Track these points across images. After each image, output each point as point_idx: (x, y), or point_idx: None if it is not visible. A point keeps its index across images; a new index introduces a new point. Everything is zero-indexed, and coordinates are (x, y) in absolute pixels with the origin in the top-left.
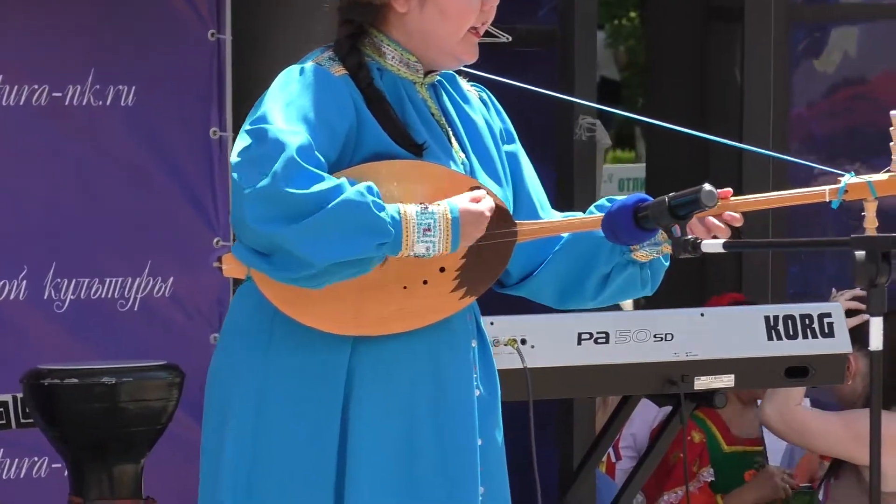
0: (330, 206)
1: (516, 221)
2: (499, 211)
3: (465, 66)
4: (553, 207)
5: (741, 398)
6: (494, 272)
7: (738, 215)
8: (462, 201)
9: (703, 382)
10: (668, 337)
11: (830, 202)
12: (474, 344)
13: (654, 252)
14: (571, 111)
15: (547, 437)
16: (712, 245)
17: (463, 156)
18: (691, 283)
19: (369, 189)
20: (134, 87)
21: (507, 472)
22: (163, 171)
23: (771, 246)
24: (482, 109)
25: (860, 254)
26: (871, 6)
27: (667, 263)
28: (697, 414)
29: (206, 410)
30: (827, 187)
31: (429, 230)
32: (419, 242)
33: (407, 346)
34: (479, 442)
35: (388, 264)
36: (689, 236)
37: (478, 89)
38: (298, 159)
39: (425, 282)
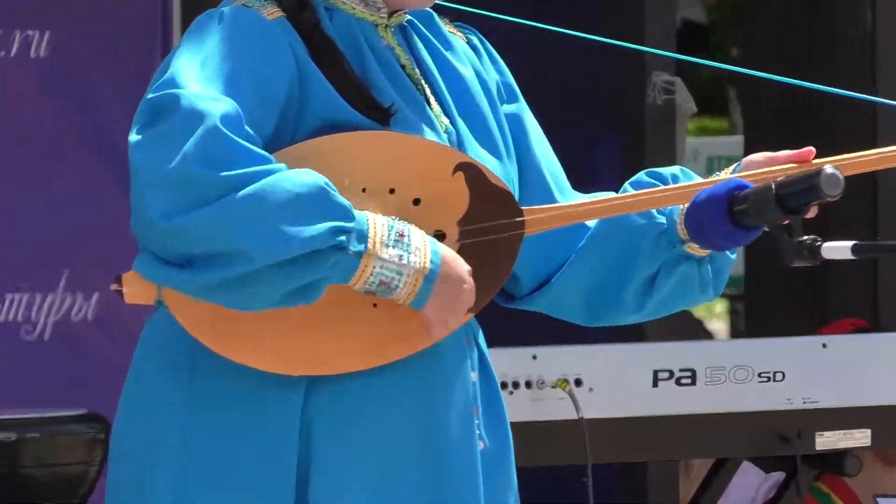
0: (272, 176)
1: (523, 208)
2: (498, 195)
3: (450, 2)
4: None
5: (884, 459)
6: (497, 279)
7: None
8: (450, 252)
9: (827, 440)
10: (779, 377)
11: None
12: (475, 378)
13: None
14: (642, 66)
15: None
16: (837, 249)
17: (447, 121)
18: (807, 302)
19: (327, 184)
20: (48, 34)
21: None
22: (87, 145)
23: None
24: (471, 58)
25: None
26: None
27: (733, 256)
28: (818, 485)
29: (110, 481)
30: None
31: (400, 242)
32: (391, 247)
33: (382, 386)
34: None
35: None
36: (806, 237)
37: (464, 31)
38: (224, 130)
39: None
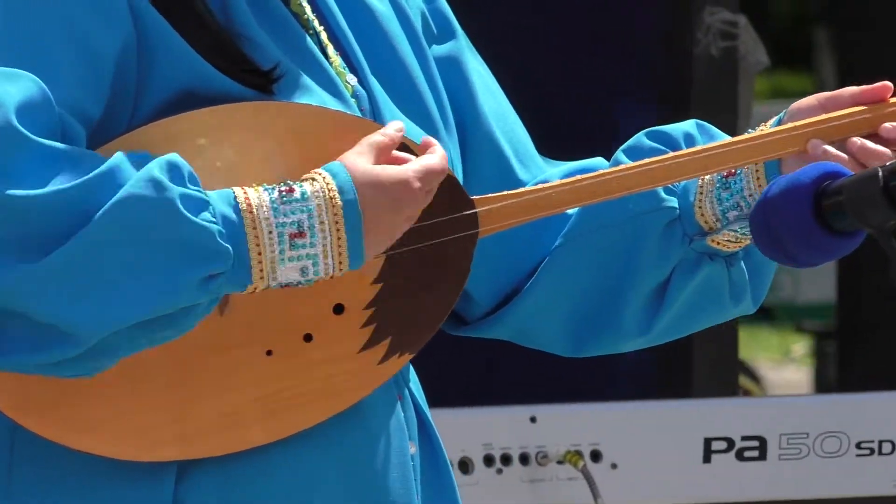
0: (98, 216)
1: (474, 198)
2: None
3: None
4: None
5: None
6: (444, 299)
7: None
8: (360, 162)
9: None
10: (886, 448)
11: None
12: (413, 450)
13: (747, 232)
14: (693, 2)
15: None
16: None
17: (354, 80)
18: None
19: (172, 169)
20: None
21: None
22: None
23: None
24: None
25: None
26: None
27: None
28: None
29: None
30: None
31: (301, 234)
32: (286, 262)
33: (281, 469)
34: None
35: (231, 309)
36: None
37: None
38: (19, 128)
39: (308, 337)
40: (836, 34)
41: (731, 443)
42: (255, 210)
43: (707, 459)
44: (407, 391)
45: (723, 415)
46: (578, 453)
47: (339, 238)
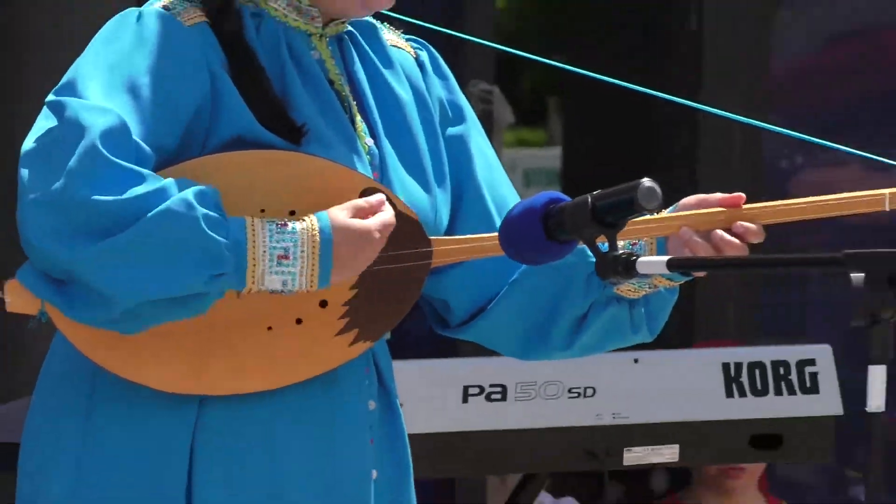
0: (142, 220)
1: (432, 238)
2: (405, 224)
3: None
4: None
5: (718, 486)
6: (400, 309)
7: (755, 227)
8: (340, 215)
9: (635, 456)
10: (589, 392)
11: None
12: (373, 406)
13: (645, 285)
14: (460, 75)
15: None
16: (652, 264)
17: (371, 142)
18: None
19: (202, 196)
20: None
21: None
22: None
23: (734, 265)
24: (415, 76)
25: (858, 277)
26: None
27: (673, 297)
28: None
29: (18, 489)
30: (887, 191)
31: (286, 257)
32: (272, 274)
33: (272, 410)
34: None
35: (244, 296)
36: (622, 252)
37: (416, 46)
38: (103, 150)
39: (299, 321)
40: (560, 99)
41: (482, 388)
42: (257, 234)
43: (465, 400)
44: (374, 365)
45: (476, 369)
46: None
47: (313, 265)
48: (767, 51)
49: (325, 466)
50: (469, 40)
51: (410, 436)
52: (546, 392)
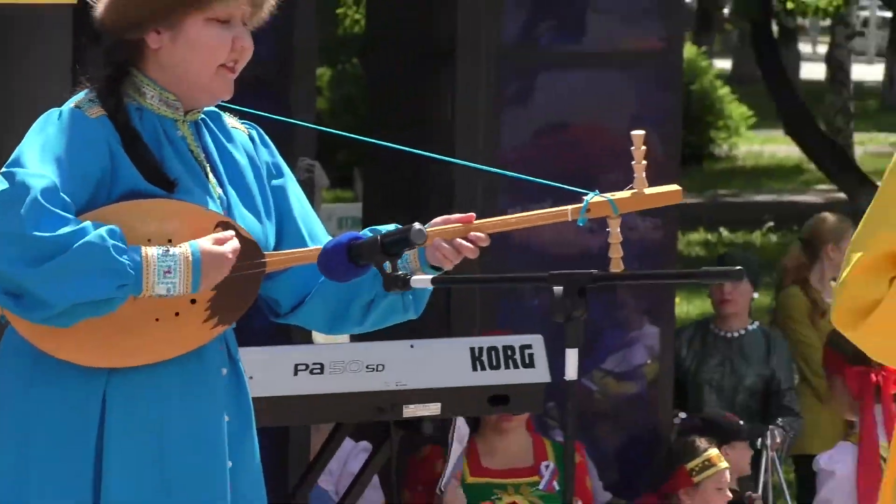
0: (71, 249)
1: (265, 253)
2: (247, 245)
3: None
4: None
5: (497, 427)
6: (246, 302)
7: (483, 235)
8: (205, 243)
9: (410, 410)
10: (380, 367)
11: (575, 221)
12: (224, 372)
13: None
14: (290, 153)
15: (265, 461)
16: (421, 280)
17: (220, 191)
18: None
19: (111, 232)
20: None
21: (264, 494)
22: None
23: (474, 282)
24: (248, 146)
25: (558, 289)
26: (578, 54)
27: (430, 289)
28: None
29: None
30: (570, 207)
31: (169, 272)
32: (160, 284)
33: (157, 375)
34: (230, 464)
35: (140, 299)
36: (401, 272)
37: (248, 126)
38: (42, 201)
39: (177, 314)
40: (362, 170)
41: (307, 365)
42: (149, 258)
43: (295, 374)
44: (226, 344)
45: (304, 352)
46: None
47: (187, 278)
48: (499, 137)
49: (195, 410)
50: (296, 124)
51: (258, 398)
52: (350, 368)
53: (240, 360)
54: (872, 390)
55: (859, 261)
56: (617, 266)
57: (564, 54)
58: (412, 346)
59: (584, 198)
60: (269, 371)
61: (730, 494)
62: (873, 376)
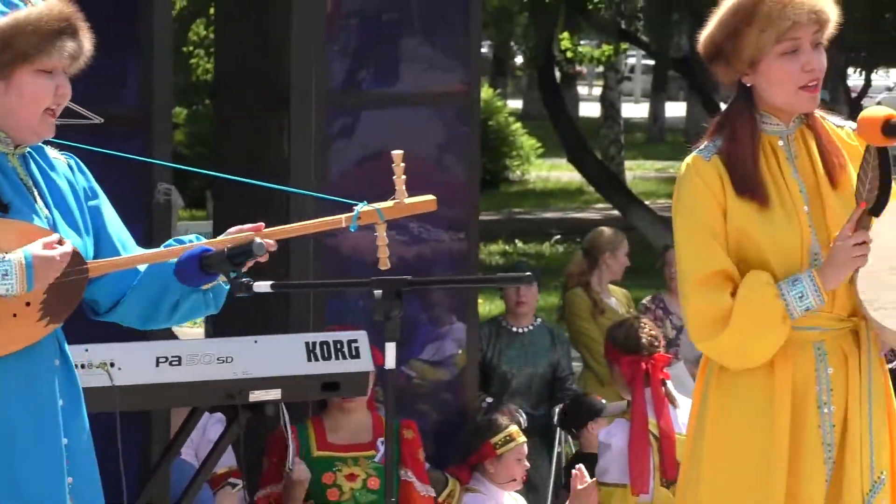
0: None
1: (87, 261)
2: (73, 255)
3: (61, 139)
4: None
5: (341, 407)
6: (73, 303)
7: (272, 241)
8: (35, 248)
9: (255, 396)
10: (229, 359)
11: (348, 227)
12: (57, 362)
13: (212, 282)
14: (150, 179)
15: (131, 440)
16: (262, 286)
17: (47, 212)
18: (248, 316)
19: None
20: None
21: (96, 466)
22: None
23: (308, 287)
24: (67, 173)
25: (378, 292)
26: (394, 95)
27: (227, 287)
28: (308, 422)
29: None
30: (343, 216)
31: (6, 275)
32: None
33: (5, 366)
34: (65, 441)
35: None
36: (245, 279)
37: (66, 157)
38: None
39: (15, 315)
40: (213, 193)
41: (167, 357)
42: None
43: (157, 365)
44: (56, 339)
45: (165, 346)
46: (105, 363)
47: (22, 279)
48: (328, 166)
49: (33, 396)
50: (167, 165)
51: (126, 386)
52: (204, 360)
53: (69, 351)
54: (643, 376)
55: (692, 279)
56: (384, 264)
57: (382, 96)
58: (256, 342)
59: (355, 207)
60: (134, 363)
61: (528, 464)
62: (643, 364)
